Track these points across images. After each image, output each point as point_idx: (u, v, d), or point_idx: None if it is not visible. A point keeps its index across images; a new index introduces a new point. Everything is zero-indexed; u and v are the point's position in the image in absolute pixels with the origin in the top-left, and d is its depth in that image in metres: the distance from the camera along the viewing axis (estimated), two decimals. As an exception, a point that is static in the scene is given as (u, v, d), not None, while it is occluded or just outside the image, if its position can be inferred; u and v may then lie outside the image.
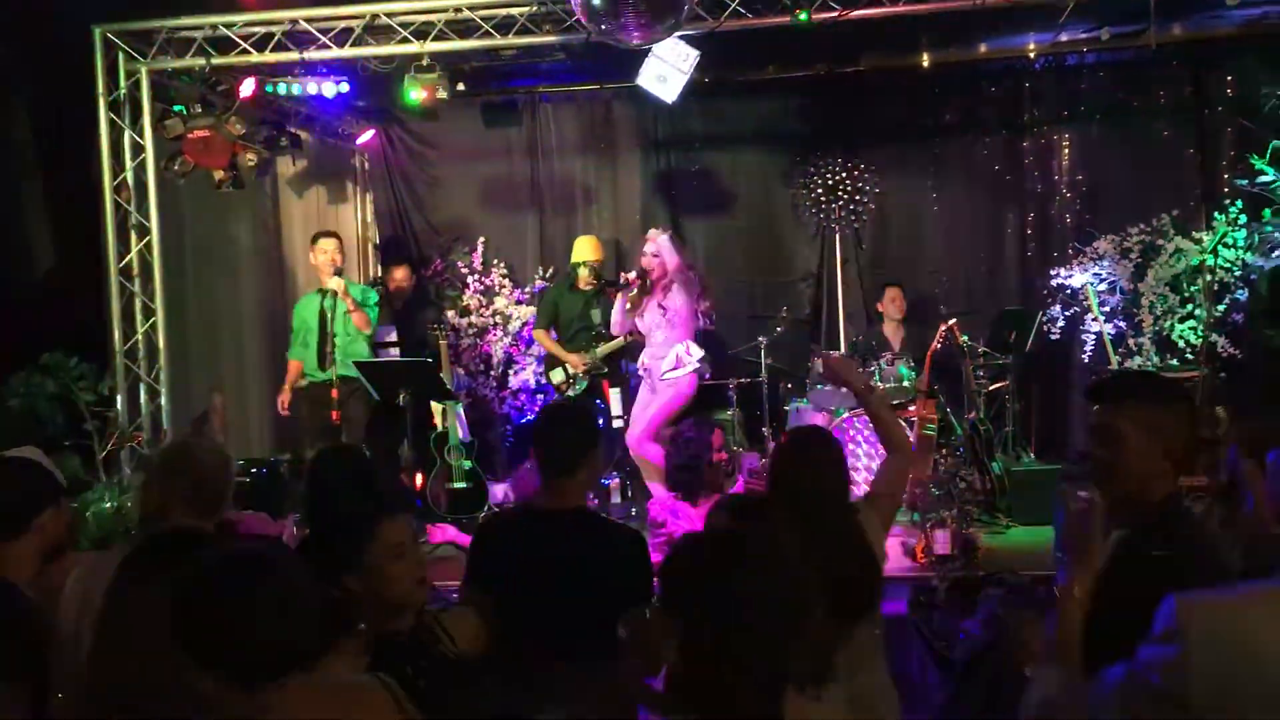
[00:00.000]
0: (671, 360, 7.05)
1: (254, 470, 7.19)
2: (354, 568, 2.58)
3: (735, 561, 1.67)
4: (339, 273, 7.32)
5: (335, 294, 7.20)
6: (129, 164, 7.28)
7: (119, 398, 7.22)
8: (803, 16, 6.65)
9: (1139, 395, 2.41)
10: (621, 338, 7.61)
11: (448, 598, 5.51)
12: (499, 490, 8.07)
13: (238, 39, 7.10)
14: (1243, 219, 8.04)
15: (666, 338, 7.11)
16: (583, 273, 7.81)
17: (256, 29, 7.08)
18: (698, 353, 7.15)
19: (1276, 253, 7.73)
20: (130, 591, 2.56)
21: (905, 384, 7.64)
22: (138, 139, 7.29)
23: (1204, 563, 2.25)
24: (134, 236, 7.31)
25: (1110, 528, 2.44)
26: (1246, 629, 1.46)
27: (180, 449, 3.21)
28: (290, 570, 1.99)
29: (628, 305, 7.22)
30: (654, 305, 7.15)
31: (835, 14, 6.70)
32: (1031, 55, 8.66)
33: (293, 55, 7.13)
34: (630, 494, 7.92)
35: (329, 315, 7.23)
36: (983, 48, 8.64)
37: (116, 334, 7.26)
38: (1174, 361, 8.14)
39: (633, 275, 7.24)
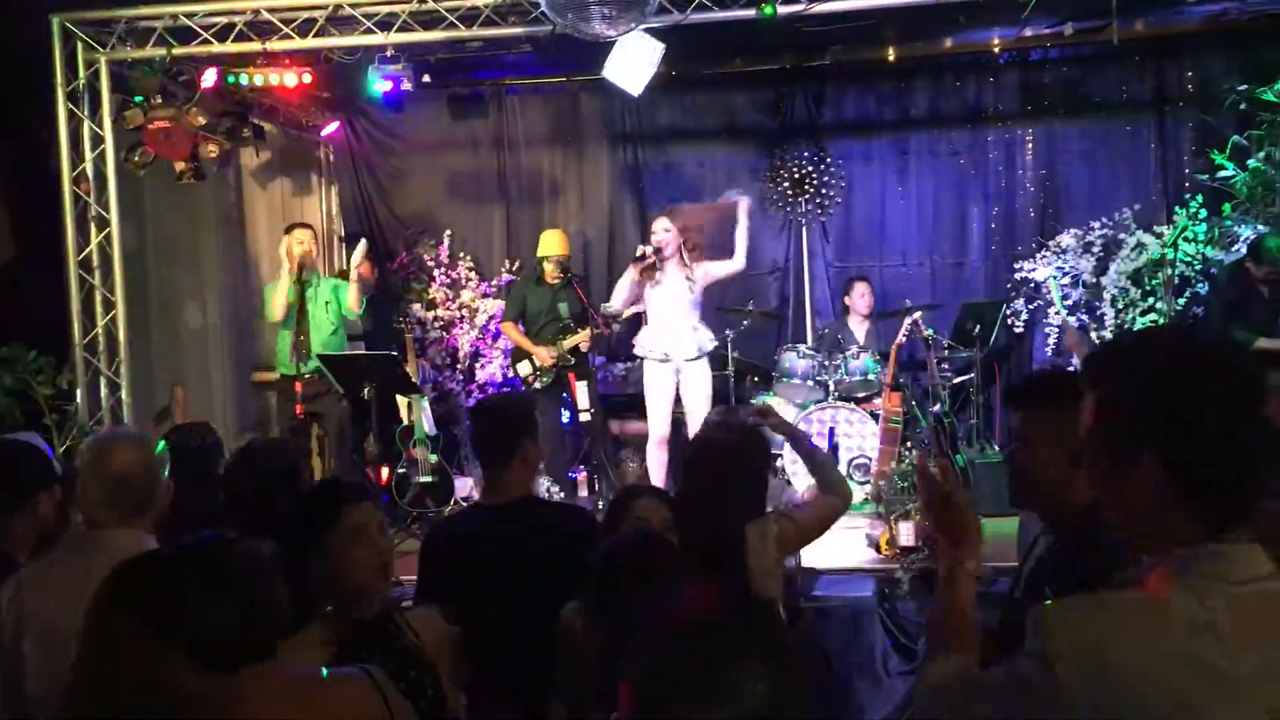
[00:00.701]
0: (694, 344, 6.96)
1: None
2: (315, 552, 2.52)
3: None
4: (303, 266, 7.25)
5: (311, 284, 7.18)
6: (88, 155, 7.18)
7: (79, 391, 7.13)
8: (769, 10, 6.65)
9: (1052, 398, 2.34)
10: (588, 331, 7.58)
11: (408, 592, 5.51)
12: (465, 484, 8.05)
13: (199, 29, 7.01)
14: (1203, 214, 8.12)
15: (685, 318, 6.95)
16: (549, 266, 7.78)
17: (218, 19, 7.00)
18: (713, 335, 7.14)
19: (1236, 247, 7.82)
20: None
21: (871, 377, 7.69)
22: (97, 130, 7.19)
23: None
24: (94, 228, 7.21)
25: (1039, 534, 2.45)
26: (1102, 639, 1.45)
27: (98, 444, 2.89)
28: (253, 551, 1.97)
29: (639, 279, 7.00)
30: (673, 279, 6.95)
31: (801, 7, 6.71)
32: (996, 50, 8.74)
33: (255, 45, 7.05)
34: (598, 487, 7.92)
35: (307, 307, 7.17)
36: (948, 42, 8.69)
37: (76, 327, 7.16)
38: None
39: (649, 249, 7.02)
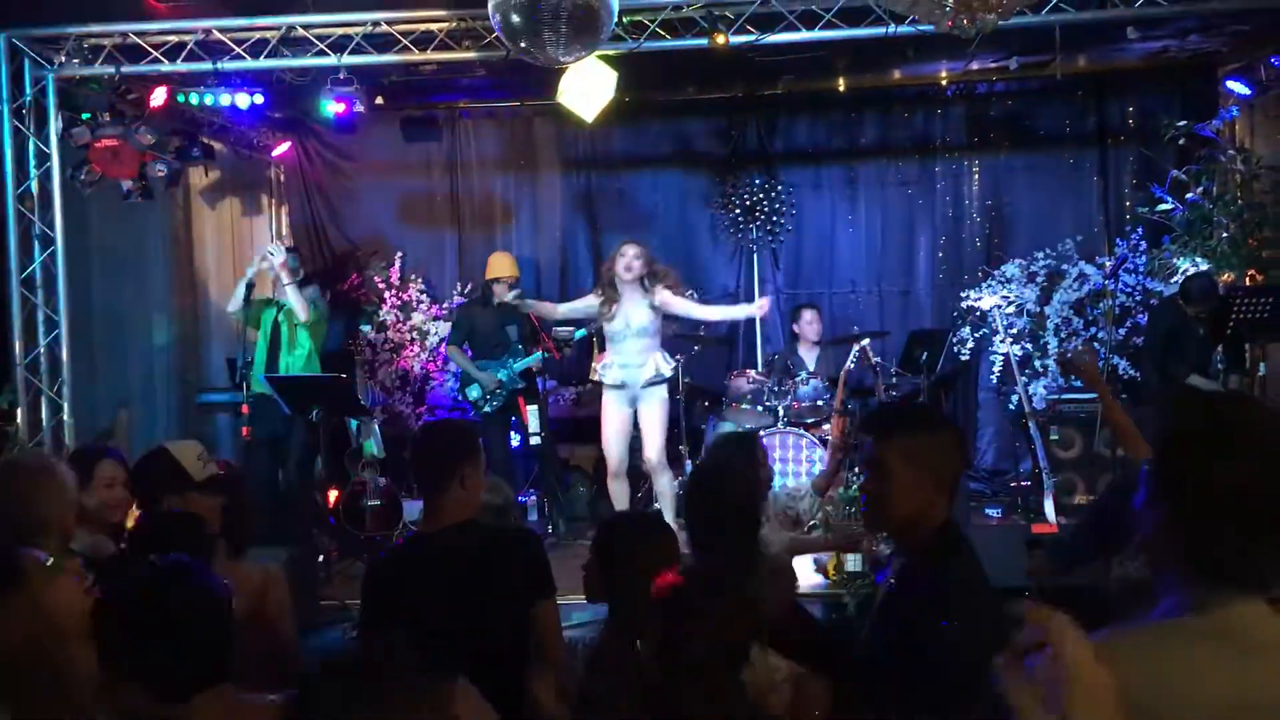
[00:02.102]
0: (652, 369, 6.88)
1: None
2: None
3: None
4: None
5: (284, 308, 7.15)
6: (34, 172, 7.08)
7: (20, 411, 7.00)
8: (720, 40, 6.73)
9: (905, 428, 2.43)
10: (539, 353, 7.59)
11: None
12: (414, 508, 7.99)
13: (149, 48, 6.96)
14: (1143, 245, 8.31)
15: (646, 345, 6.88)
16: (498, 288, 7.78)
17: (169, 38, 6.95)
18: (672, 360, 7.09)
19: (1175, 279, 8.00)
20: None
21: (819, 403, 7.75)
22: (43, 147, 7.10)
23: (970, 590, 2.29)
24: (38, 246, 7.10)
25: (893, 555, 2.53)
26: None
27: (4, 465, 2.93)
28: (211, 584, 1.98)
29: (601, 303, 6.91)
30: (634, 304, 6.85)
31: (753, 38, 6.79)
32: (943, 82, 8.91)
33: (205, 66, 7.01)
34: (548, 510, 7.90)
35: (280, 329, 7.12)
36: (896, 74, 8.85)
37: (18, 346, 7.04)
38: (1077, 382, 8.36)
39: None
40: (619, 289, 6.88)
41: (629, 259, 6.87)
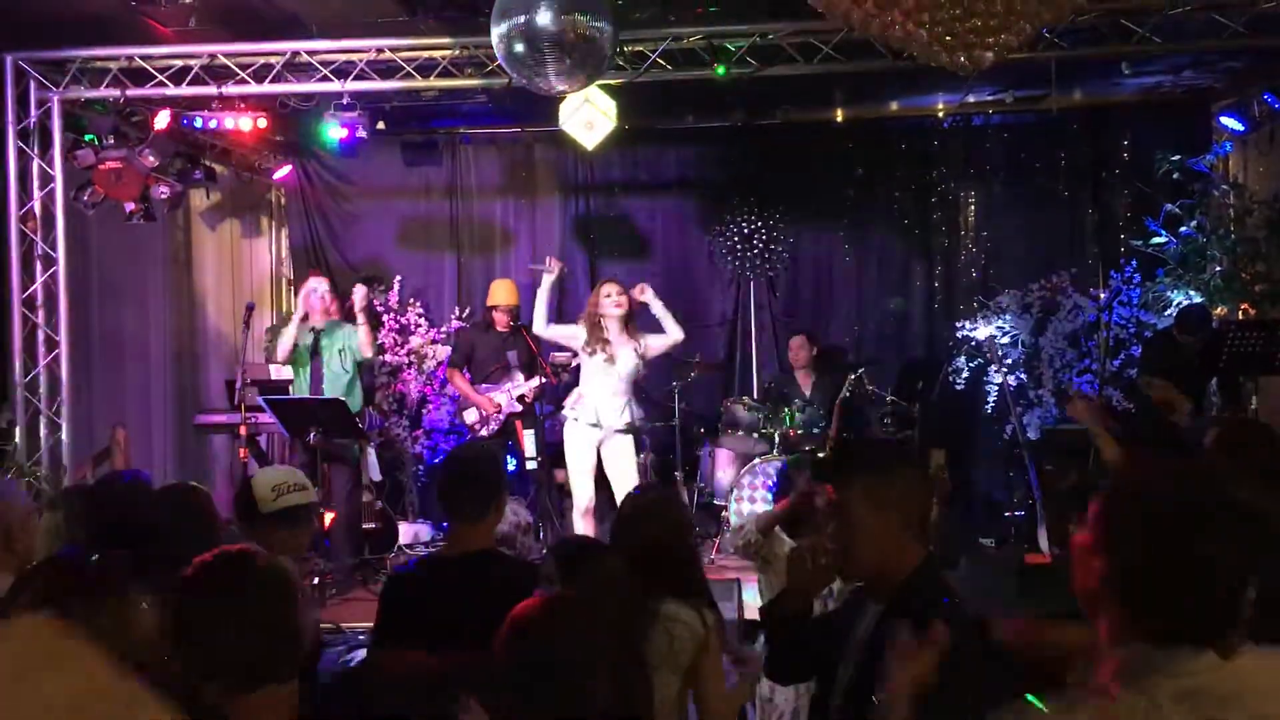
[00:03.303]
0: (627, 414, 6.77)
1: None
2: None
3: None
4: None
5: (326, 332, 7.18)
6: (37, 193, 7.13)
7: (18, 430, 7.03)
8: (720, 70, 6.81)
9: (863, 469, 2.31)
10: (538, 380, 7.62)
11: (354, 639, 5.47)
12: (410, 531, 8.01)
13: (154, 71, 7.03)
14: (1137, 278, 8.38)
15: (622, 388, 6.76)
16: (498, 315, 7.82)
17: (174, 62, 7.02)
18: (640, 410, 6.99)
19: (1169, 311, 8.05)
20: None
21: (815, 431, 7.79)
22: (47, 168, 7.15)
23: (961, 629, 2.12)
24: (39, 267, 7.15)
25: (869, 604, 2.36)
26: None
27: None
28: (273, 572, 1.99)
29: (586, 339, 6.75)
30: (621, 348, 6.70)
31: (752, 69, 6.88)
32: (940, 115, 9.00)
33: (210, 90, 7.08)
34: (543, 535, 7.90)
35: (322, 355, 7.15)
36: (894, 105, 8.95)
37: (18, 365, 7.07)
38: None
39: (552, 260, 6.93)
40: (605, 327, 6.72)
41: (615, 296, 6.73)
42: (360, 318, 7.25)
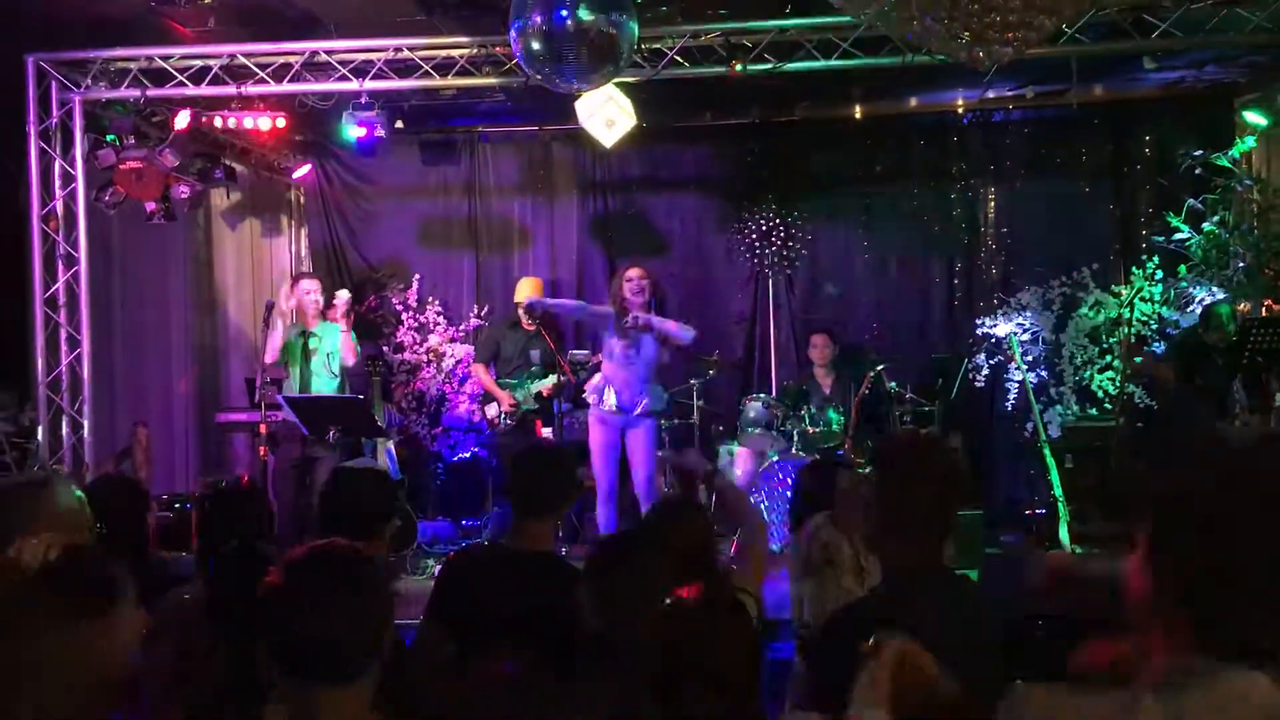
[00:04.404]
0: (648, 400, 6.84)
1: (176, 505, 7.08)
2: None
3: None
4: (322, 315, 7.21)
5: (314, 334, 7.10)
6: (59, 193, 7.18)
7: (40, 429, 7.08)
8: (738, 67, 6.79)
9: (884, 464, 2.42)
10: (555, 379, 7.63)
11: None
12: (429, 529, 8.04)
13: (174, 71, 7.06)
14: (1159, 274, 8.31)
15: (648, 375, 6.85)
16: (524, 313, 7.85)
17: (194, 62, 7.06)
18: (665, 395, 7.08)
19: (1191, 308, 8.00)
20: None
21: (834, 429, 7.77)
22: (68, 168, 7.21)
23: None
24: (61, 266, 7.20)
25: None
26: None
27: None
28: (373, 577, 1.98)
29: (613, 335, 6.82)
30: (645, 335, 6.79)
31: (770, 66, 6.86)
32: (960, 110, 8.95)
33: (229, 90, 7.12)
34: (560, 534, 7.91)
35: (309, 355, 7.10)
36: (913, 101, 8.90)
37: (40, 364, 7.13)
38: (1093, 411, 8.37)
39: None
40: (628, 312, 6.81)
41: (636, 281, 6.85)
42: (343, 324, 7.19)
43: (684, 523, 3.15)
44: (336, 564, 1.94)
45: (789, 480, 7.41)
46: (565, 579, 3.13)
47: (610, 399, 6.85)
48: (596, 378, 7.07)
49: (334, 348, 7.19)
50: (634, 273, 6.97)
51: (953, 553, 2.42)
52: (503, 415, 7.75)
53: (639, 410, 6.85)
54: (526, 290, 8.08)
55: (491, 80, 7.10)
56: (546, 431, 7.79)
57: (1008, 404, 8.58)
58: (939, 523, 2.32)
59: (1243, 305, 7.86)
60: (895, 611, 2.27)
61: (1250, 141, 8.15)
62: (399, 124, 8.23)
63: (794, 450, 7.65)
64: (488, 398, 7.94)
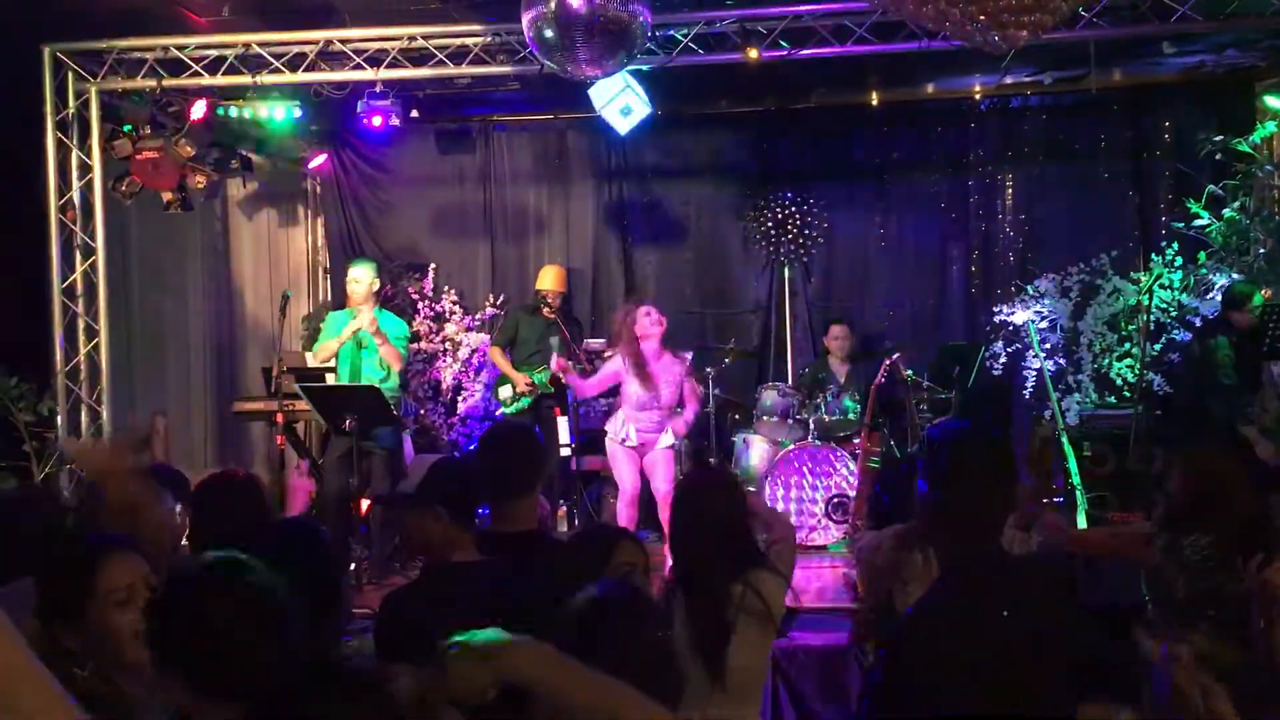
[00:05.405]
0: (669, 436, 6.80)
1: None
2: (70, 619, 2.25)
3: None
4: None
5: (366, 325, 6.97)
6: (75, 184, 7.22)
7: (59, 419, 7.13)
8: (753, 54, 6.76)
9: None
10: (569, 362, 7.61)
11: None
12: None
13: (189, 61, 7.08)
14: (1179, 261, 8.24)
15: (667, 417, 6.78)
16: (547, 300, 7.85)
17: (209, 51, 7.08)
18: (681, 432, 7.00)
19: (1210, 295, 7.93)
20: None
21: (850, 417, 7.74)
22: (85, 159, 7.24)
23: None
24: (79, 256, 7.25)
25: None
26: None
27: None
28: (277, 591, 1.93)
29: (632, 381, 6.71)
30: (666, 379, 6.70)
31: (785, 52, 6.82)
32: (977, 96, 8.89)
33: (245, 79, 7.13)
34: (577, 522, 7.93)
35: (360, 345, 7.00)
36: (930, 88, 8.84)
37: (58, 354, 7.18)
38: (1111, 399, 8.31)
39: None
40: (644, 354, 6.68)
41: (655, 316, 6.72)
42: (378, 339, 7.01)
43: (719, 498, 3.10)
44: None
45: (804, 469, 7.41)
46: (558, 551, 3.10)
47: (631, 436, 6.82)
48: (619, 414, 6.96)
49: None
50: (650, 309, 6.81)
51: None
52: (516, 395, 7.75)
53: (659, 446, 6.83)
54: (550, 277, 8.05)
55: (506, 68, 7.09)
56: (562, 421, 7.79)
57: (1025, 392, 8.54)
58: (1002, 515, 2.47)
59: (1264, 291, 7.79)
60: (966, 600, 2.34)
61: (1271, 126, 8.07)
62: (414, 113, 8.23)
63: (810, 439, 7.63)
64: (502, 380, 7.94)
